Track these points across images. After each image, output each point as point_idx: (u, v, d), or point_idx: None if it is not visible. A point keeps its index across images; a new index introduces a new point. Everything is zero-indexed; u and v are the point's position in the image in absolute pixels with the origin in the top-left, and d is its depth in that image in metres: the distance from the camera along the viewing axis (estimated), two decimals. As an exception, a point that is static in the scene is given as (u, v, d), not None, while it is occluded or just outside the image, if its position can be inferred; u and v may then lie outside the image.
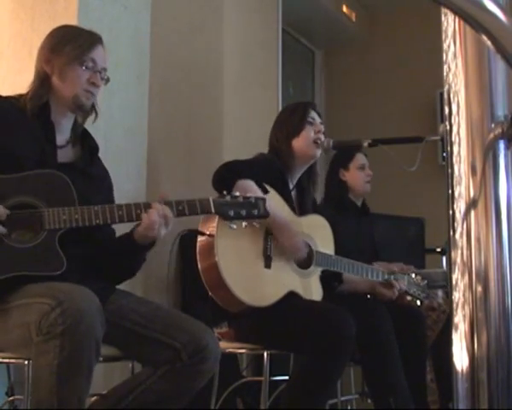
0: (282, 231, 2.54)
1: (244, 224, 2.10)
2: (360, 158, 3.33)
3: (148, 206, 1.99)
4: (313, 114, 2.80)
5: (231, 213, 2.06)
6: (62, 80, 2.08)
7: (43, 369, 1.74)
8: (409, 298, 3.02)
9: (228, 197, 2.07)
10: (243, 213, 2.07)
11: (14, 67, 2.76)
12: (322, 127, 2.78)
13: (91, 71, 2.09)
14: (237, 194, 2.09)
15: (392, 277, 2.93)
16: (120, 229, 2.17)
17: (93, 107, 2.16)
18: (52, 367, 1.72)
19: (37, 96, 2.07)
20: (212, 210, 2.04)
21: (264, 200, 2.12)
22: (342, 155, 3.34)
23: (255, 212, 2.08)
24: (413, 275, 3.04)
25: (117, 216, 1.95)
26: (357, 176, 3.31)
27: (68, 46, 2.08)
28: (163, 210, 1.97)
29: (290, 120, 2.78)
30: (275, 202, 2.55)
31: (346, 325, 2.43)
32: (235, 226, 2.07)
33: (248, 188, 2.43)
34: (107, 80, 2.15)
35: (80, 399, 1.76)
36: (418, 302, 3.04)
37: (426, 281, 3.06)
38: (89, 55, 2.08)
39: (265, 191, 2.51)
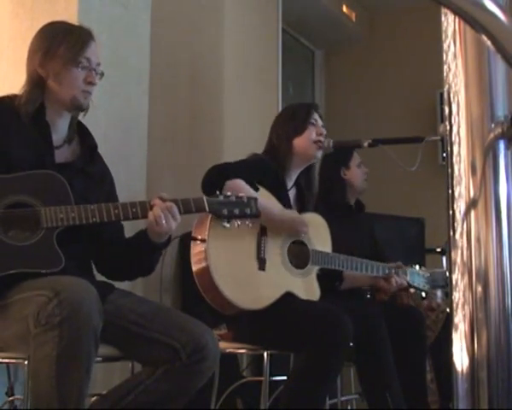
0: (278, 221, 2.55)
1: (237, 223, 2.11)
2: (356, 156, 3.34)
3: (143, 204, 2.00)
4: (316, 115, 2.81)
5: (225, 211, 2.08)
6: (59, 83, 2.06)
7: (42, 361, 1.74)
8: (412, 290, 3.01)
9: (221, 197, 2.10)
10: (236, 211, 2.09)
11: (14, 67, 2.76)
12: (324, 130, 2.79)
13: (87, 70, 2.08)
14: (229, 194, 2.12)
15: (392, 270, 2.92)
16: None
17: None
18: (51, 358, 1.72)
19: (31, 101, 2.06)
20: (207, 208, 2.06)
21: (255, 199, 2.14)
22: (342, 154, 3.33)
23: (248, 211, 2.11)
24: (417, 266, 3.03)
25: (113, 215, 1.97)
26: (357, 173, 3.32)
27: (61, 48, 2.06)
28: (165, 204, 1.99)
29: (293, 120, 2.78)
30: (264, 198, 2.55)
31: (342, 324, 2.43)
32: (228, 225, 2.10)
33: (238, 187, 2.43)
34: (102, 74, 2.14)
35: (80, 390, 1.76)
36: (423, 294, 3.02)
37: (429, 273, 3.06)
38: (83, 55, 2.06)
39: (255, 189, 2.51)
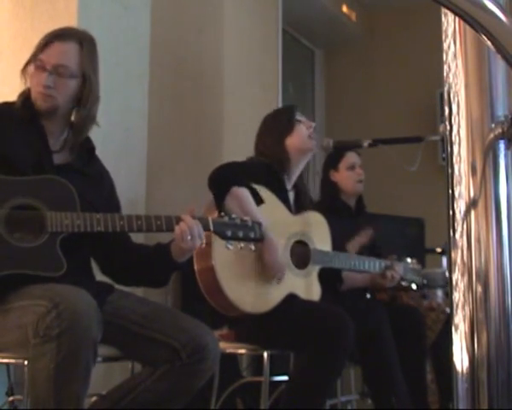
0: (266, 246, 2.49)
1: (240, 246, 2.14)
2: (350, 157, 3.26)
3: (148, 219, 2.00)
4: (299, 115, 2.79)
5: (229, 233, 2.10)
6: (29, 87, 2.09)
7: (39, 372, 1.74)
8: (404, 283, 3.03)
9: (226, 218, 2.11)
10: (240, 234, 2.11)
11: (14, 67, 2.75)
12: (312, 123, 2.78)
13: (40, 71, 2.06)
14: (234, 216, 2.13)
15: (388, 264, 2.94)
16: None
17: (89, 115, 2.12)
18: (49, 371, 1.72)
19: (23, 94, 2.10)
20: (211, 228, 2.07)
21: (260, 224, 2.16)
22: (332, 155, 3.29)
23: (251, 234, 2.13)
24: (408, 259, 3.05)
25: (118, 225, 1.96)
26: (346, 176, 3.24)
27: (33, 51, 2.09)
28: (193, 220, 2.00)
29: (278, 123, 2.76)
30: (266, 213, 2.53)
31: (344, 325, 2.43)
32: (231, 247, 2.11)
33: (241, 197, 2.44)
34: (73, 76, 2.07)
35: (78, 402, 1.76)
36: (414, 286, 3.05)
37: (421, 265, 3.10)
38: (39, 56, 2.06)
39: (260, 201, 2.49)
